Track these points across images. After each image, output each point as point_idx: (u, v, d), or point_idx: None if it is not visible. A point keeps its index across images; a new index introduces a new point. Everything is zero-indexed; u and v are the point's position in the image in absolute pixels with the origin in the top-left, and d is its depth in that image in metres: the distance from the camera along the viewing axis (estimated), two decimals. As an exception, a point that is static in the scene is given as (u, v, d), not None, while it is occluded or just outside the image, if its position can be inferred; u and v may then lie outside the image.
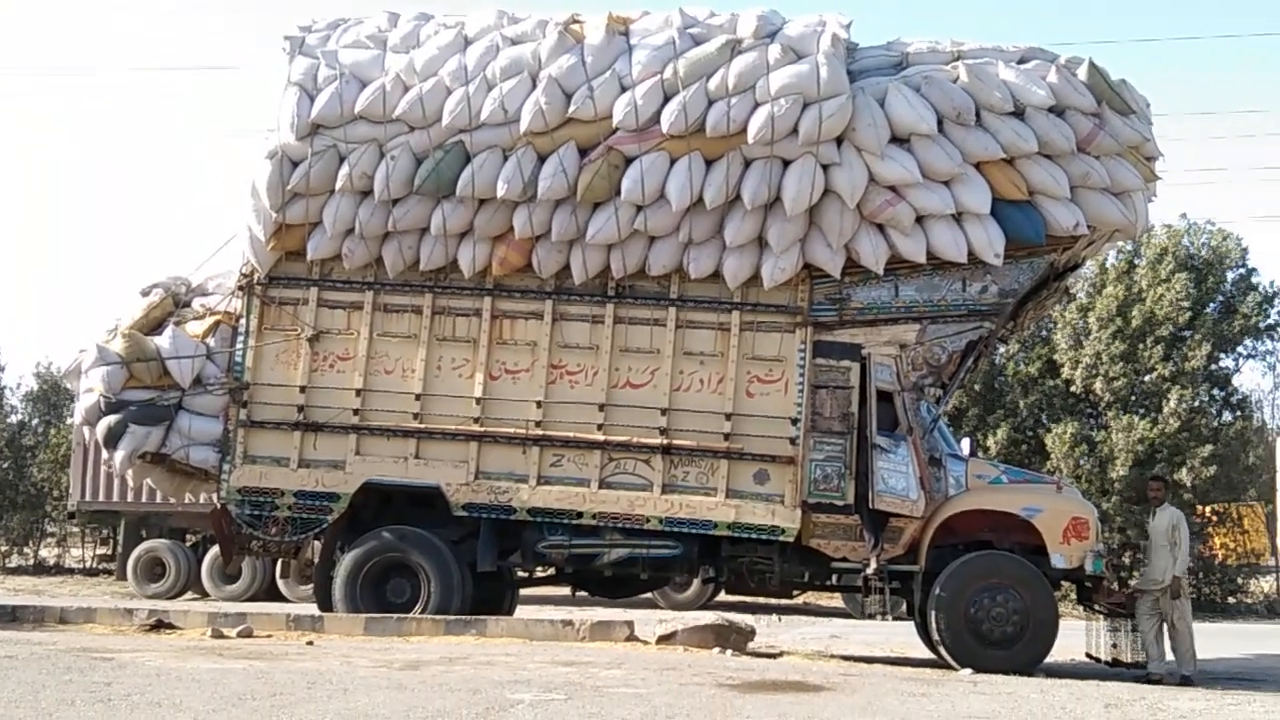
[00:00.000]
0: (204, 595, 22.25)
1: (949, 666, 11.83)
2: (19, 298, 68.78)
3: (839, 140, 12.02)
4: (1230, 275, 25.77)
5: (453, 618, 12.12)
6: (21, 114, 69.43)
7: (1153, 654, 12.31)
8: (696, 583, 18.73)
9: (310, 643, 11.09)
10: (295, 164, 12.64)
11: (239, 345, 13.09)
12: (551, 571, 14.10)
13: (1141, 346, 24.25)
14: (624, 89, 12.17)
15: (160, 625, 12.02)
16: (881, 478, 12.28)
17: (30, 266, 72.31)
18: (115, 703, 7.23)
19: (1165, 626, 12.42)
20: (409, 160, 12.48)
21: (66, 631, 11.74)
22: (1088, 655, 13.19)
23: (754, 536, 12.47)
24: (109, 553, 28.77)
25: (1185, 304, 24.13)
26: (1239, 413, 26.37)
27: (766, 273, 12.35)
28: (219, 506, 13.09)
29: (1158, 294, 24.29)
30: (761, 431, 12.45)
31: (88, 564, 29.86)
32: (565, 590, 18.32)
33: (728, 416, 12.45)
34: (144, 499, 22.23)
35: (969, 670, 11.39)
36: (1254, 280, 25.85)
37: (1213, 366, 24.84)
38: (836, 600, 21.66)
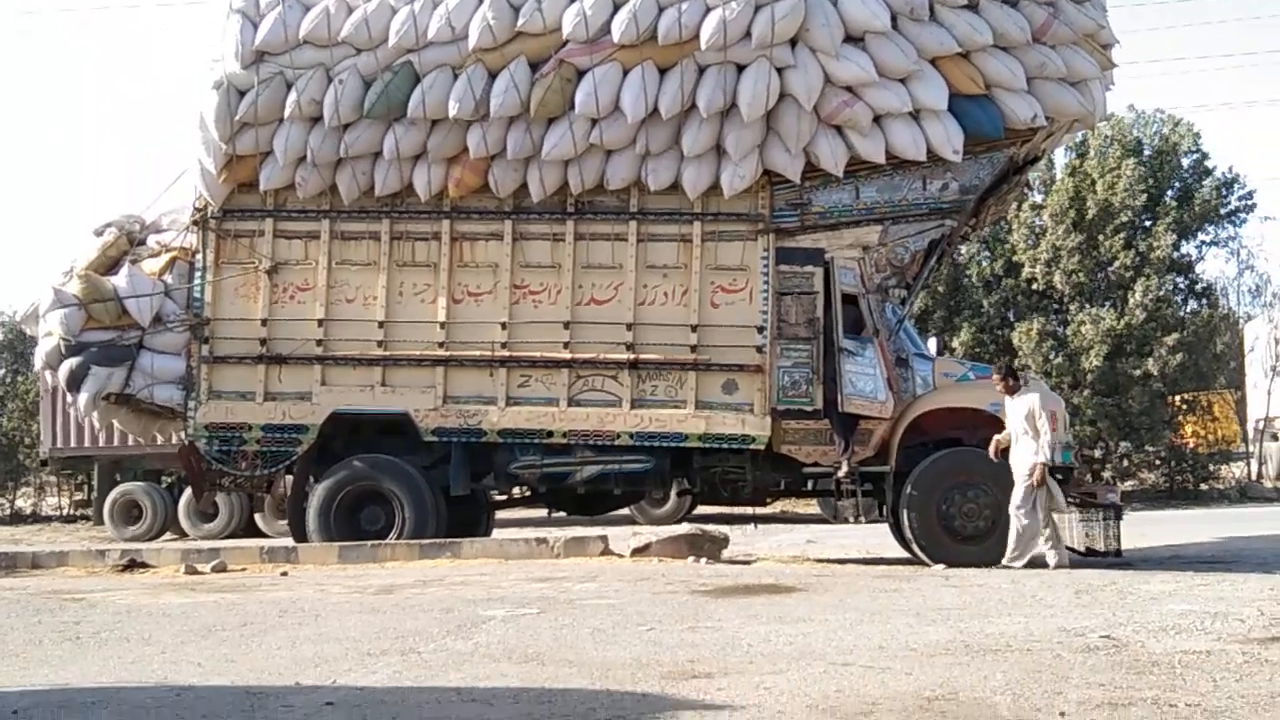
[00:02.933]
0: (183, 536, 22.19)
1: (923, 564, 11.91)
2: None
3: (793, 42, 11.84)
4: (1185, 162, 25.79)
5: (427, 541, 12.14)
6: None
7: (1049, 540, 11.62)
8: (673, 497, 18.83)
9: (284, 574, 11.11)
10: (242, 94, 12.43)
11: (197, 281, 12.94)
12: (527, 492, 14.10)
13: (1101, 237, 24.30)
14: (572, 0, 11.96)
15: (133, 565, 12.00)
16: (850, 381, 12.27)
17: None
18: (84, 640, 7.21)
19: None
20: (357, 84, 12.28)
21: (39, 576, 11.73)
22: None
23: (725, 446, 12.48)
24: (85, 498, 28.67)
25: (1140, 188, 24.14)
26: (1205, 301, 26.52)
27: (726, 181, 12.23)
28: (187, 444, 13.01)
29: (1109, 182, 24.30)
30: (728, 341, 12.41)
31: (65, 511, 29.76)
32: (542, 512, 18.40)
33: (693, 328, 12.40)
34: (116, 443, 22.04)
35: (942, 565, 11.47)
36: (1209, 165, 25.88)
37: (1175, 254, 24.92)
38: (814, 507, 21.78)
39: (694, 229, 12.47)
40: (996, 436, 11.75)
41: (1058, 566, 11.33)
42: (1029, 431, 11.54)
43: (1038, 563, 11.41)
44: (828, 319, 12.40)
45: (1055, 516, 11.89)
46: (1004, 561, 11.39)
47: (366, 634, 7.20)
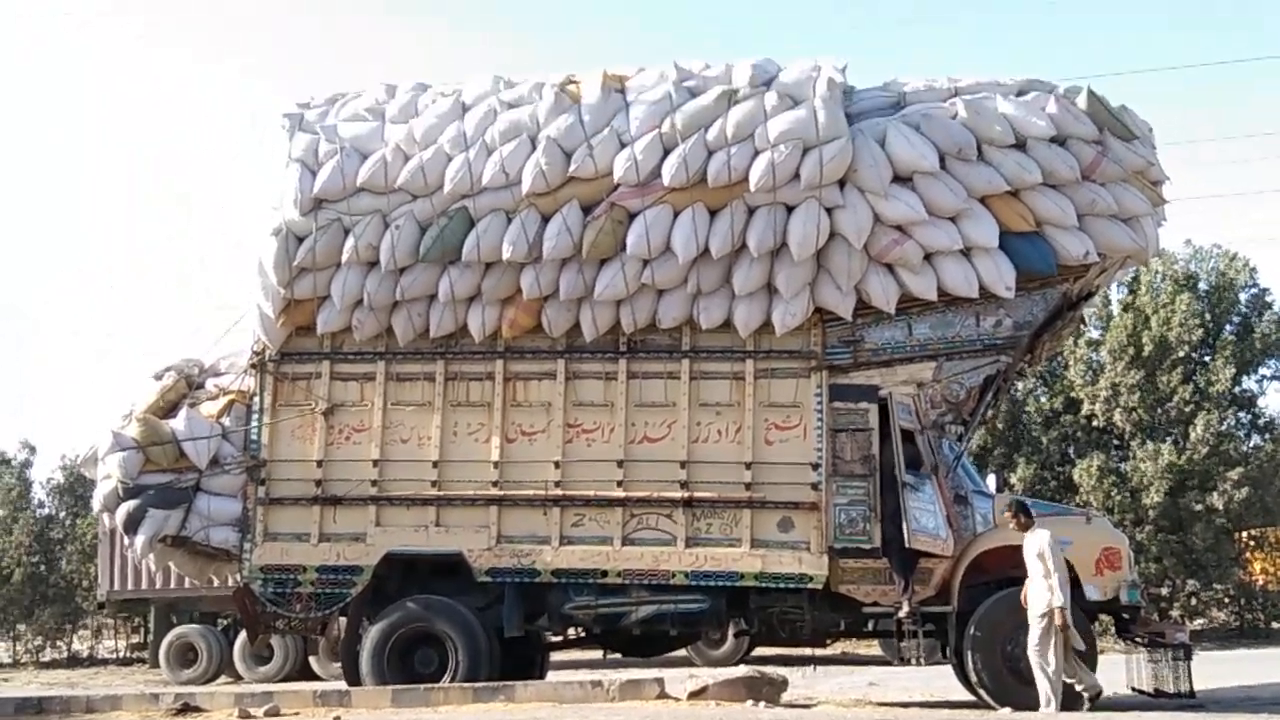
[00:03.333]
0: (238, 678, 22.10)
1: (989, 706, 11.61)
2: (50, 390, 68.93)
3: (841, 183, 12.00)
4: (1244, 296, 25.66)
5: (481, 685, 11.97)
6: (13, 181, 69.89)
7: (1073, 676, 11.38)
8: (731, 638, 18.54)
9: (337, 718, 10.98)
10: (300, 239, 12.70)
11: (254, 423, 13.09)
12: (581, 633, 13.95)
13: (1159, 372, 24.10)
14: (623, 145, 12.20)
15: (187, 709, 11.88)
16: (914, 516, 12.09)
17: (52, 357, 72.63)
18: (134, 787, 7.13)
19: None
20: (413, 229, 12.51)
21: (93, 721, 11.65)
22: (1132, 689, 12.93)
23: (782, 586, 12.32)
24: (141, 641, 28.70)
25: (1195, 325, 23.99)
26: (1269, 435, 26.12)
27: (778, 319, 12.29)
28: (242, 586, 13.03)
29: (1164, 317, 24.19)
30: (783, 479, 12.34)
31: (121, 654, 29.79)
32: (598, 653, 18.16)
33: (748, 466, 12.34)
34: (172, 585, 22.15)
35: (1009, 709, 11.17)
36: (1269, 299, 25.74)
37: (1236, 389, 24.65)
38: (875, 648, 21.37)
39: (746, 366, 12.50)
40: (1028, 582, 11.49)
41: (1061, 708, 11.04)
42: (1042, 570, 11.29)
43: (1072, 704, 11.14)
44: (885, 455, 12.30)
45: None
46: (1040, 711, 11.06)
47: (418, 780, 7.07)
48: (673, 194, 12.07)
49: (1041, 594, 11.24)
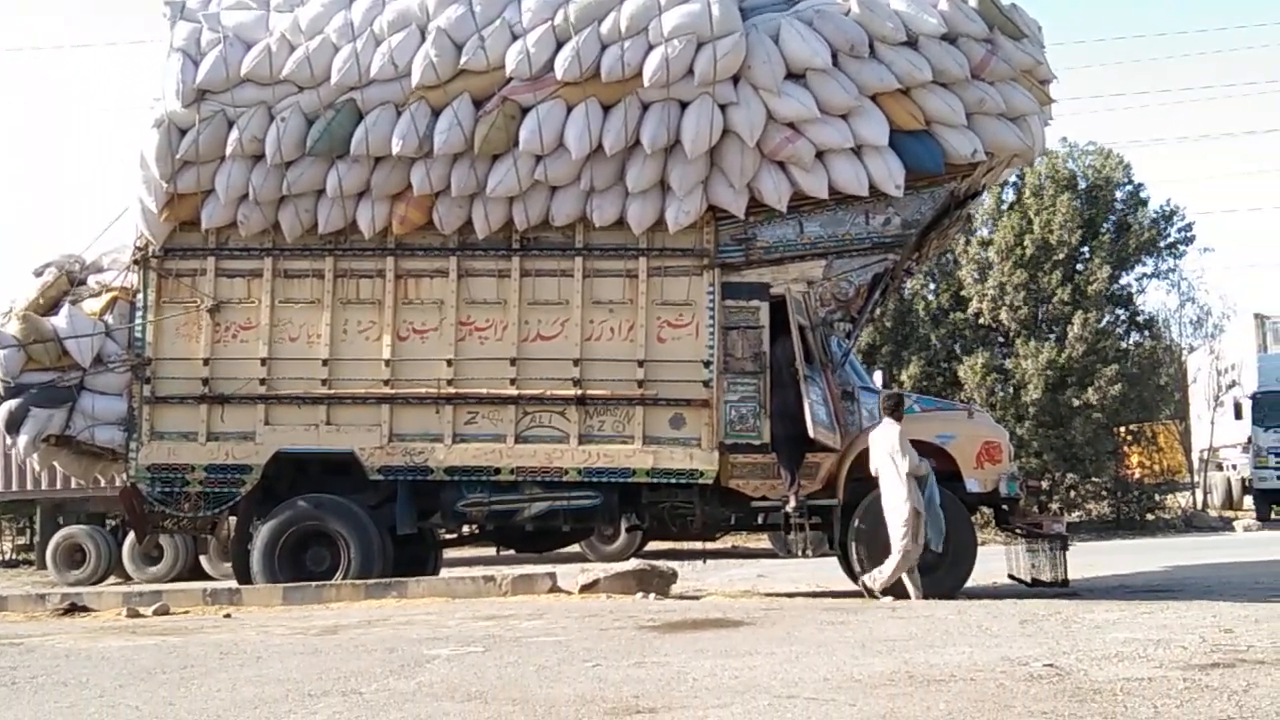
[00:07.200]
0: (127, 579, 21.83)
1: (872, 596, 11.90)
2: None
3: (735, 79, 11.94)
4: (1119, 194, 26.11)
5: (373, 581, 12.02)
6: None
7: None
8: (623, 533, 18.79)
9: (227, 615, 10.96)
10: (183, 132, 12.36)
11: (138, 320, 12.82)
12: (475, 530, 14.01)
13: (1040, 273, 24.58)
14: (515, 37, 12.01)
15: (74, 609, 11.78)
16: (815, 411, 12.22)
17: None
18: (19, 685, 7.07)
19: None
20: (300, 121, 12.24)
21: (-23, 622, 11.49)
22: (1010, 577, 13.36)
23: (673, 481, 12.46)
24: (27, 543, 28.20)
25: (1075, 226, 24.42)
26: (1147, 333, 26.81)
27: (671, 216, 12.27)
28: (128, 485, 12.84)
29: (1045, 219, 24.60)
30: (675, 376, 12.42)
31: (7, 555, 29.28)
32: (491, 550, 18.29)
33: (640, 363, 12.40)
34: (58, 485, 21.74)
35: (889, 598, 11.48)
36: (1143, 196, 26.21)
37: (1114, 287, 25.21)
38: (766, 542, 21.77)
39: (640, 264, 12.50)
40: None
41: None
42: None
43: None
44: (775, 352, 12.42)
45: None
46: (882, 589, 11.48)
47: (308, 675, 7.10)
48: (565, 88, 11.93)
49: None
